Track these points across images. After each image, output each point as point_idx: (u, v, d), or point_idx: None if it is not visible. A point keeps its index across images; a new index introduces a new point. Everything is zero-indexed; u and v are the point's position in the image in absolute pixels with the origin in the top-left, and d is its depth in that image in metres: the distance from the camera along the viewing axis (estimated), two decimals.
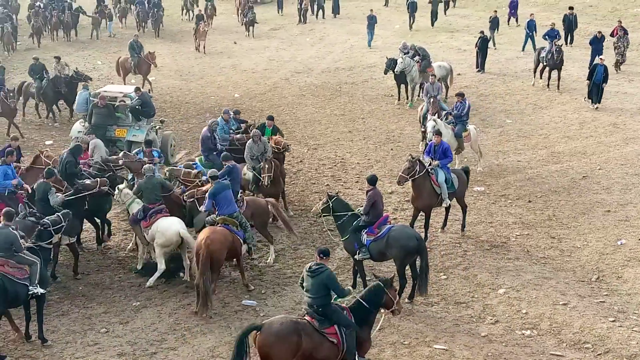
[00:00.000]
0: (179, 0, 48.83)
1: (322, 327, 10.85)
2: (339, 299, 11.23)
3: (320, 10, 46.95)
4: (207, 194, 14.83)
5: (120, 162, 17.22)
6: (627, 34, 31.59)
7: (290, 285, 15.19)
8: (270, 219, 16.59)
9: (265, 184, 17.32)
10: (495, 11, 38.03)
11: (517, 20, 41.23)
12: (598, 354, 12.76)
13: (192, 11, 46.69)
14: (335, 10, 47.06)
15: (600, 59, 27.31)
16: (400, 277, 14.06)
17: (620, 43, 31.31)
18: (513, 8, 41.50)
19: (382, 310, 11.44)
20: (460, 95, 21.36)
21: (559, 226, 17.95)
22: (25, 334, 13.06)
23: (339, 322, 10.90)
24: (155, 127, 21.77)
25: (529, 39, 35.14)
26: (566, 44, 34.26)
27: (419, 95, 28.44)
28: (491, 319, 13.85)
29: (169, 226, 14.92)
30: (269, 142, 18.24)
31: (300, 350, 10.59)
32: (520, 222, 18.19)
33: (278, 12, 48.07)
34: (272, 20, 46.11)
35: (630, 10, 42.84)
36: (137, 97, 21.17)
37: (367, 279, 14.51)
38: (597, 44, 31.25)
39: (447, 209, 17.49)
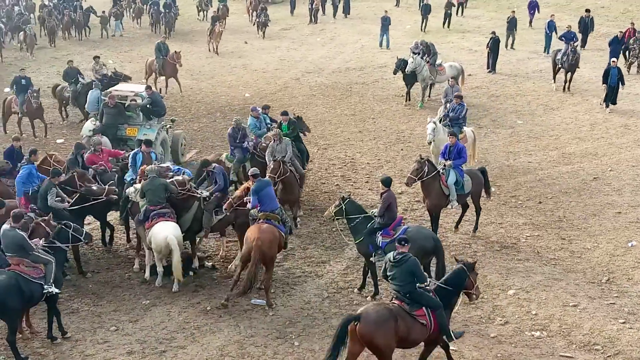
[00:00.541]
0: (191, 0, 48.95)
1: (412, 310, 11.34)
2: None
3: (335, 10, 46.94)
4: (250, 192, 14.88)
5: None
6: None
7: (300, 284, 15.21)
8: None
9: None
10: (513, 12, 37.55)
11: (531, 23, 40.85)
12: (608, 356, 12.71)
13: (206, 12, 46.78)
14: (346, 10, 47.06)
15: (613, 61, 27.20)
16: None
17: (636, 45, 31.22)
18: (532, 9, 40.85)
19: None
20: (459, 97, 21.16)
21: (570, 227, 17.89)
22: (49, 333, 13.12)
23: (428, 304, 11.42)
24: (166, 126, 21.82)
25: (549, 40, 34.91)
26: (581, 47, 34.13)
27: (429, 96, 28.43)
28: (501, 320, 13.82)
29: (159, 232, 14.63)
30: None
31: (398, 333, 11.14)
32: (530, 223, 18.14)
33: (291, 13, 48.06)
34: (283, 20, 46.13)
35: None
36: (147, 96, 21.22)
37: (377, 278, 14.55)
38: (616, 45, 31.13)
39: (464, 209, 17.45)
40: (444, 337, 11.64)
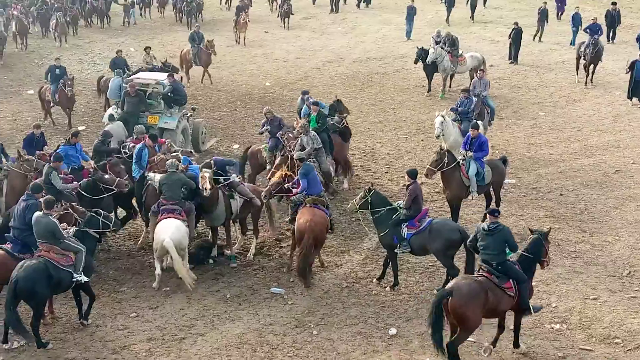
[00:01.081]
0: None
1: (501, 283, 11.77)
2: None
3: (360, 0, 46.76)
4: (299, 175, 15.18)
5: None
6: None
7: (319, 274, 15.22)
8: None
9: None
10: (545, 2, 37.00)
11: (560, 16, 40.36)
12: (628, 350, 12.63)
13: (230, 2, 46.77)
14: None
15: None
16: (450, 268, 14.08)
17: None
18: (560, 1, 40.37)
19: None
20: (466, 91, 20.94)
21: (591, 220, 17.77)
22: (80, 316, 13.20)
23: (516, 277, 11.86)
24: (186, 114, 21.88)
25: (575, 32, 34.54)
26: (608, 40, 33.80)
27: (449, 86, 28.30)
28: None
29: (160, 233, 14.24)
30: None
31: (487, 305, 11.60)
32: (551, 215, 18.03)
33: (312, 2, 47.95)
34: (304, 10, 46.05)
35: None
36: (169, 84, 21.26)
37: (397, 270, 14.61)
38: None
39: (488, 201, 17.39)
40: (524, 310, 12.08)
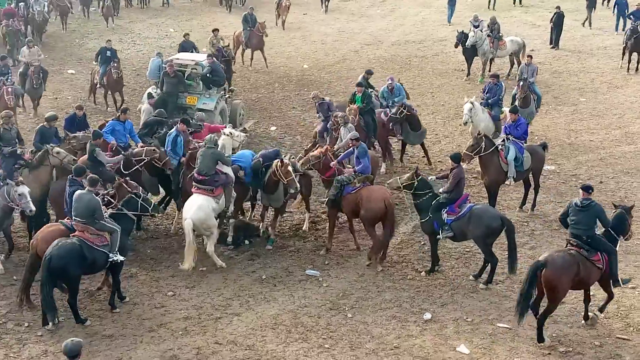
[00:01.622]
0: None
1: (590, 256, 12.21)
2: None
3: None
4: (358, 154, 15.35)
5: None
6: None
7: (354, 257, 15.25)
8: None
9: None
10: None
11: (607, 3, 39.72)
12: None
13: None
14: None
15: None
16: (489, 255, 14.04)
17: None
18: None
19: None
20: (495, 76, 20.68)
21: None
22: (111, 299, 13.28)
23: (605, 250, 12.32)
24: (225, 95, 21.95)
25: (621, 19, 33.82)
26: None
27: (489, 70, 28.00)
28: None
29: (185, 210, 14.62)
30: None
31: (578, 277, 12.08)
32: None
33: None
34: None
35: None
36: (207, 65, 21.31)
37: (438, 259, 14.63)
38: None
39: (527, 187, 17.23)
40: (612, 282, 12.52)
